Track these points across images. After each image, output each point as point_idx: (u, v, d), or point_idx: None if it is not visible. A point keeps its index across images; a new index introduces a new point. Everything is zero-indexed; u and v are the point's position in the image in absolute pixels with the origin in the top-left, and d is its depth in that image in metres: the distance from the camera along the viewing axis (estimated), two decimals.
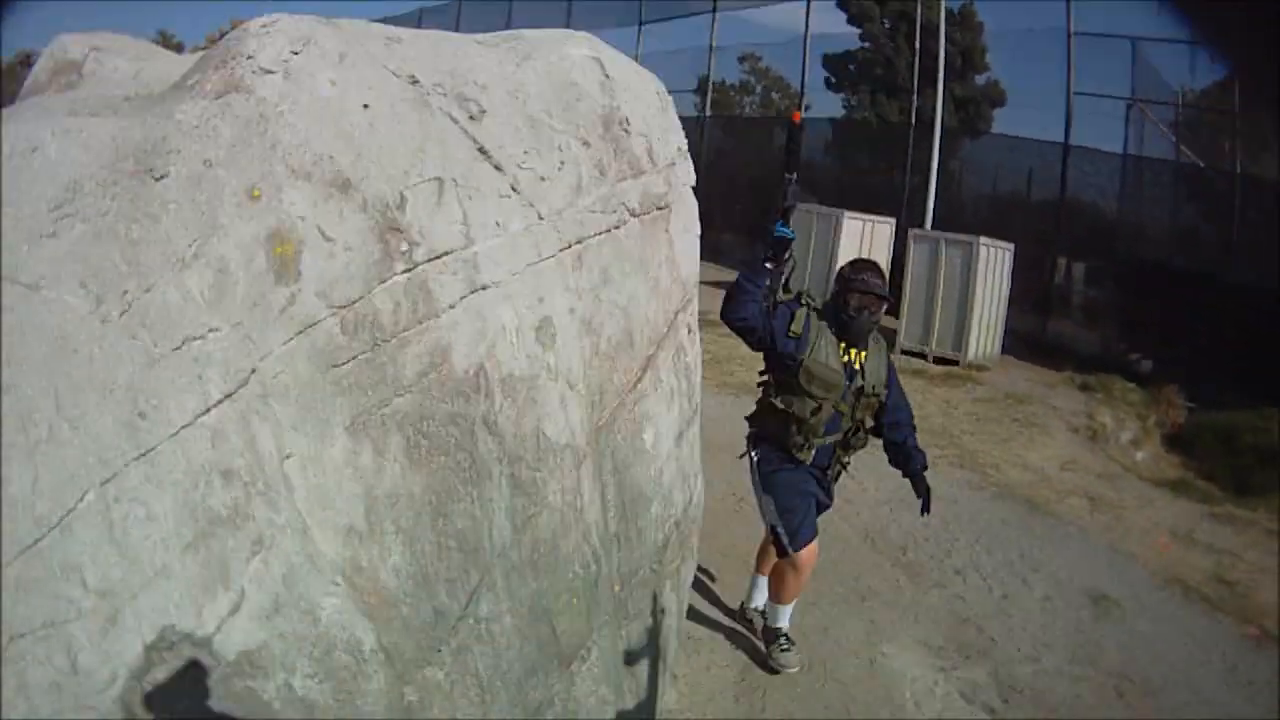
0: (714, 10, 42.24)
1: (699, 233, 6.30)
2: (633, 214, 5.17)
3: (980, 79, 40.69)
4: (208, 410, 3.38)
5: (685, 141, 6.09)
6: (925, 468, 8.11)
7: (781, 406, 7.29)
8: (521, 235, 4.40)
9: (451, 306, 4.04)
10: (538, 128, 4.69)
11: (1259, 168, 29.28)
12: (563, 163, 4.73)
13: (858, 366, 7.43)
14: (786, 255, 6.79)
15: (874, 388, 7.56)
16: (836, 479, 8.10)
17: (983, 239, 25.25)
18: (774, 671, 8.38)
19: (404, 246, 3.90)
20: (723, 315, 6.76)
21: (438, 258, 4.02)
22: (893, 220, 30.89)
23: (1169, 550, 13.91)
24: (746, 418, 8.18)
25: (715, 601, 9.60)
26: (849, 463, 8.13)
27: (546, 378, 4.54)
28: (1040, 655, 9.80)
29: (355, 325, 3.72)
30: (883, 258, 28.93)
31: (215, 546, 3.41)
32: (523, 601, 4.52)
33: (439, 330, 3.99)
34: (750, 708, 7.93)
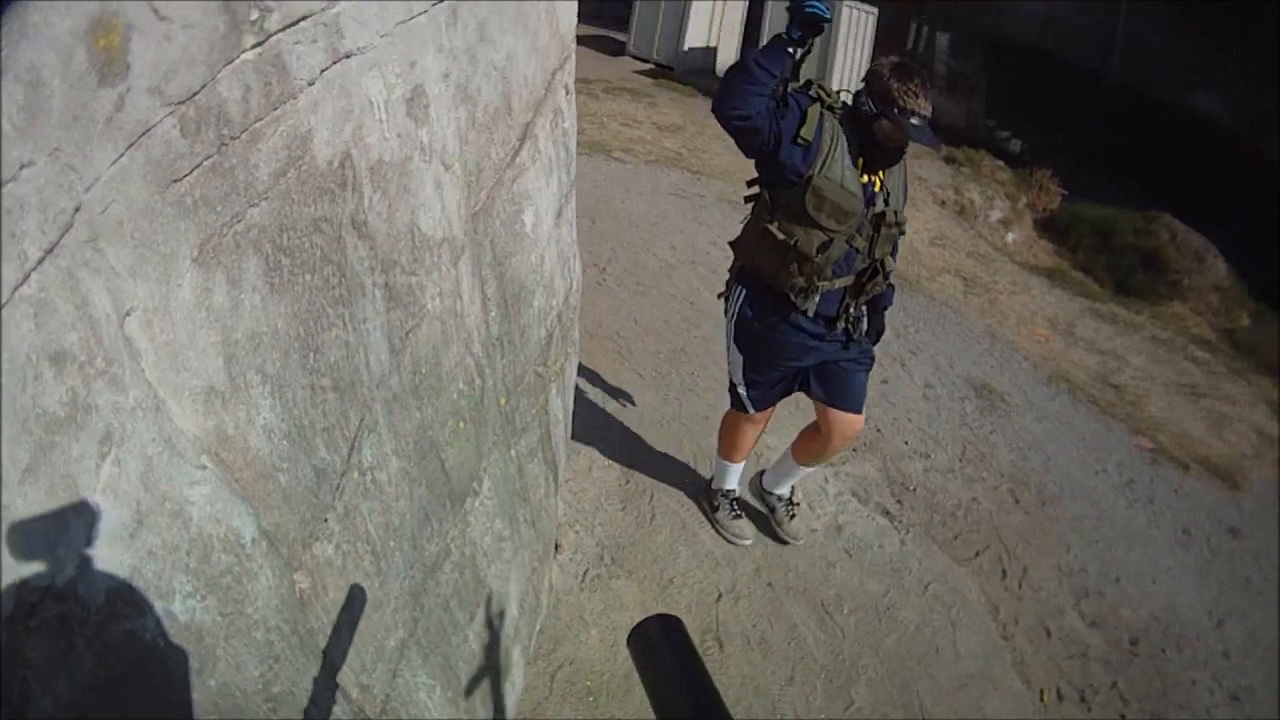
0: None
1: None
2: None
3: None
4: (26, 278, 2.48)
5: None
6: (889, 306, 6.58)
7: (781, 237, 5.92)
8: None
9: (311, 82, 3.32)
10: None
11: None
12: None
13: (878, 188, 5.96)
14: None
15: (897, 214, 6.04)
16: (850, 331, 6.32)
17: (845, 1, 25.12)
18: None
19: (254, 14, 3.05)
20: (717, 107, 5.65)
21: (294, 24, 3.22)
22: None
23: (1049, 342, 13.97)
24: (731, 244, 6.66)
25: (587, 390, 9.21)
26: (862, 314, 6.39)
27: (420, 159, 3.91)
28: (930, 451, 9.66)
29: (198, 123, 2.90)
30: (737, 10, 29.47)
31: (58, 461, 2.58)
32: (407, 438, 4.00)
33: (296, 114, 3.27)
34: (639, 514, 7.60)
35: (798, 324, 6.16)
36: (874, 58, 25.70)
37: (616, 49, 30.08)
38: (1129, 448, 11.20)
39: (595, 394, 9.06)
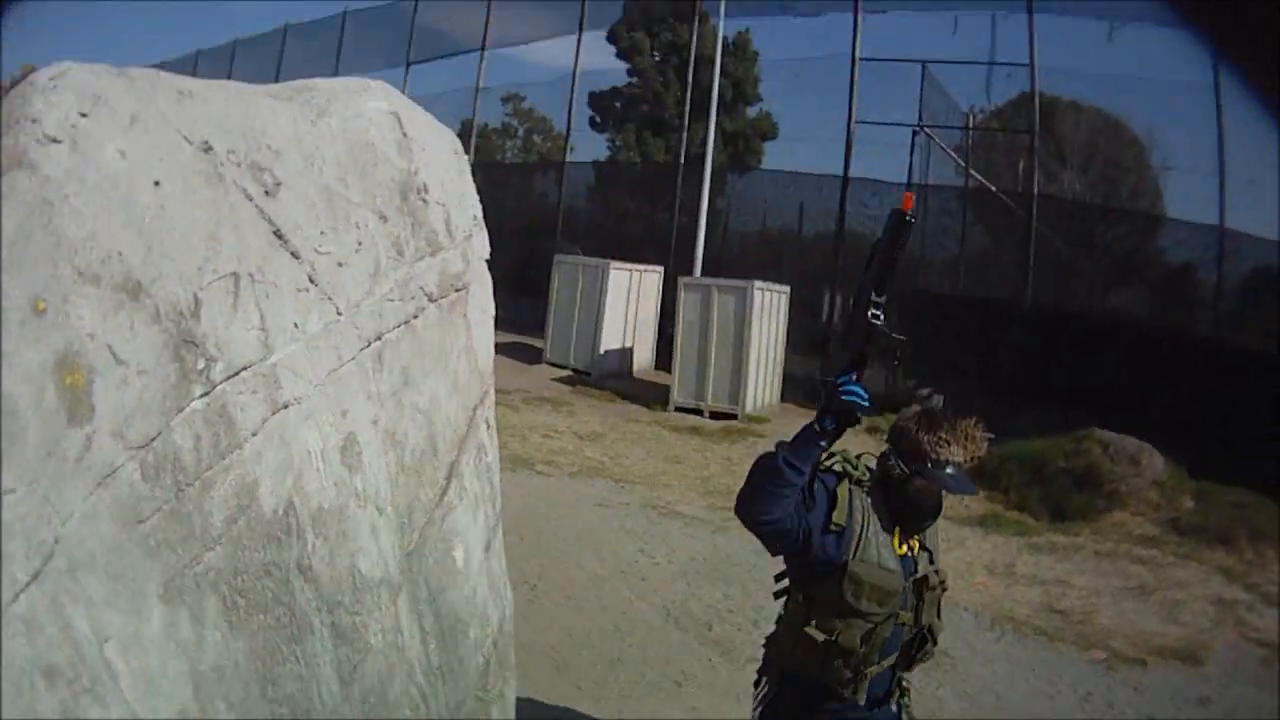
0: (482, 48, 42.49)
1: (494, 314, 5.76)
2: (430, 299, 4.83)
3: (752, 110, 41.20)
4: (16, 597, 2.87)
5: (480, 209, 5.64)
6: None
7: (821, 638, 5.19)
8: (321, 336, 4.07)
9: (254, 433, 3.66)
10: (334, 201, 4.33)
11: (1056, 186, 30.28)
12: (360, 243, 4.40)
13: (915, 551, 5.43)
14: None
15: (939, 572, 5.54)
16: (902, 704, 5.63)
17: (757, 283, 25.59)
18: None
19: (200, 364, 3.48)
20: (742, 512, 5.06)
21: (236, 374, 3.63)
22: (660, 268, 31.53)
23: (989, 588, 14.07)
24: (767, 640, 5.85)
25: (525, 706, 9.28)
26: (910, 687, 5.74)
27: (355, 505, 4.19)
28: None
29: (156, 468, 3.27)
30: (651, 308, 30.17)
31: None
32: None
33: (243, 464, 3.60)
34: None
35: (844, 715, 5.42)
36: (789, 333, 26.84)
37: (533, 356, 30.54)
38: (1081, 664, 11.34)
39: (535, 709, 9.11)
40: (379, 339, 4.40)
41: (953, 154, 32.40)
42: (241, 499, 3.59)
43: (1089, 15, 29.28)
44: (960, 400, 17.70)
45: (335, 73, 45.85)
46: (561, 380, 28.10)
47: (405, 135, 4.93)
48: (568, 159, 40.68)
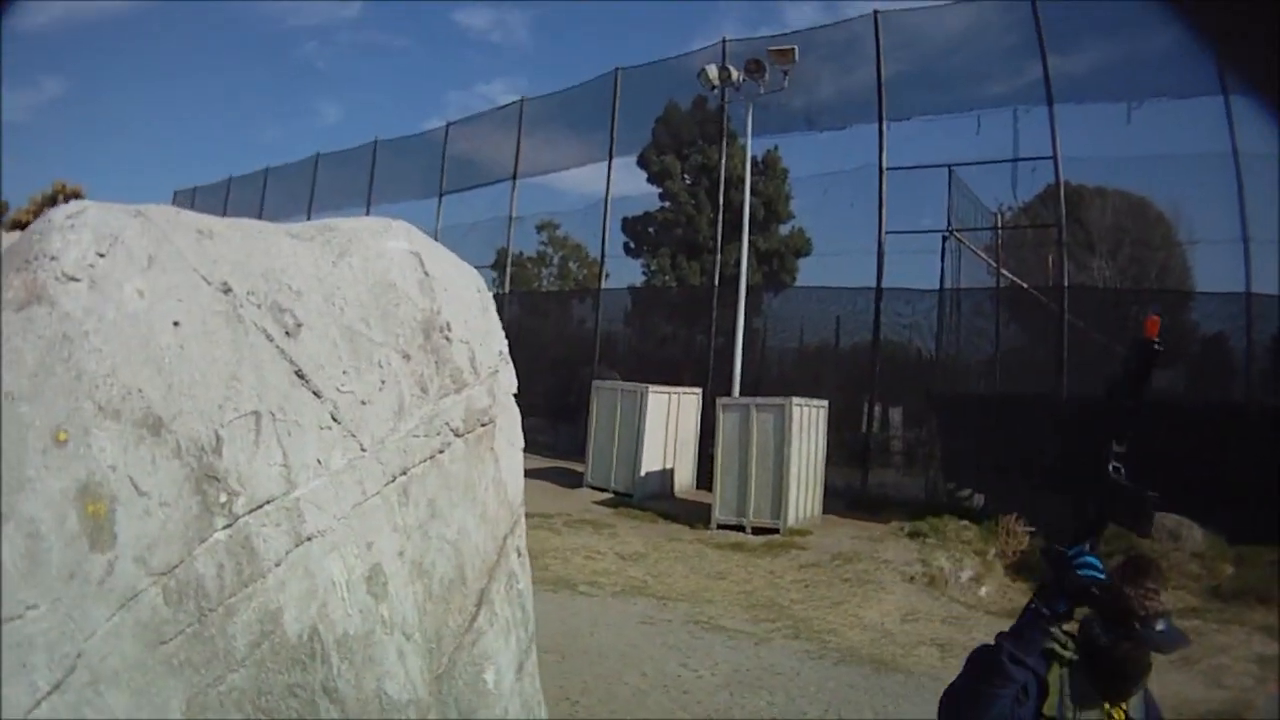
0: (514, 178, 42.81)
1: (523, 445, 5.83)
2: (456, 434, 4.98)
3: (784, 228, 41.17)
4: (38, 704, 3.05)
5: (506, 345, 5.78)
6: None
7: None
8: (345, 472, 4.21)
9: (278, 564, 3.84)
10: (356, 341, 4.50)
11: (1086, 275, 30.33)
12: (383, 381, 4.57)
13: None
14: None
15: None
16: None
17: (795, 399, 25.56)
18: None
19: (223, 497, 3.67)
20: (952, 713, 4.53)
21: (259, 508, 3.80)
22: (699, 390, 31.54)
23: None
24: None
25: None
26: None
27: (382, 632, 4.34)
28: None
29: (179, 594, 3.48)
30: (691, 429, 30.23)
31: None
32: None
33: (266, 592, 3.78)
34: None
35: None
36: (828, 445, 26.96)
37: (574, 480, 30.48)
38: None
39: None
40: (404, 474, 4.56)
41: (983, 255, 32.52)
42: (265, 625, 3.77)
43: (1107, 99, 29.15)
44: (1001, 499, 17.87)
45: (368, 201, 47.33)
46: (603, 503, 28.06)
47: (427, 275, 5.12)
48: (603, 285, 40.91)
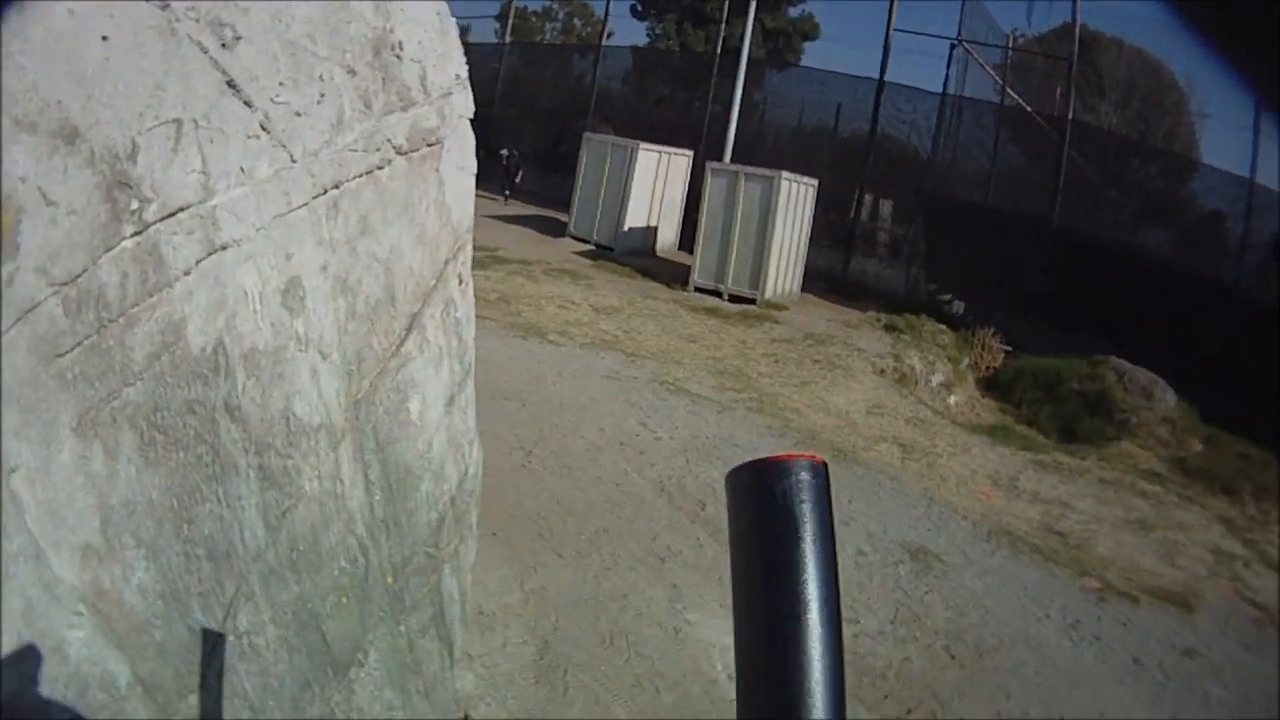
0: None
1: (475, 171, 5.57)
2: (399, 152, 4.69)
3: (794, 10, 40.74)
4: None
5: (465, 68, 5.40)
6: None
7: None
8: (270, 182, 3.95)
9: (186, 273, 3.61)
10: (299, 55, 4.21)
11: (1092, 116, 30.02)
12: (323, 95, 4.27)
13: None
14: None
15: None
16: None
17: (785, 174, 25.21)
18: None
19: (134, 204, 3.42)
20: None
21: (171, 215, 3.57)
22: (690, 152, 31.17)
23: (991, 499, 14.02)
24: None
25: (504, 570, 9.19)
26: None
27: (295, 348, 4.13)
28: (859, 616, 9.54)
29: (79, 304, 3.23)
30: (679, 190, 30.18)
31: None
32: (285, 608, 4.14)
33: (171, 303, 3.56)
34: (552, 689, 7.57)
35: None
36: (814, 226, 26.83)
37: (558, 229, 30.52)
38: (1074, 590, 11.25)
39: (511, 572, 9.03)
40: (337, 187, 4.29)
41: (990, 71, 32.12)
42: (167, 336, 3.57)
43: None
44: (981, 311, 17.82)
45: None
46: (583, 254, 27.98)
47: None
48: (604, 43, 40.43)
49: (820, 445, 14.33)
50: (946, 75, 30.99)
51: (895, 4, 30.81)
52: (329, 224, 4.29)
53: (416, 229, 4.90)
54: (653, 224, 30.34)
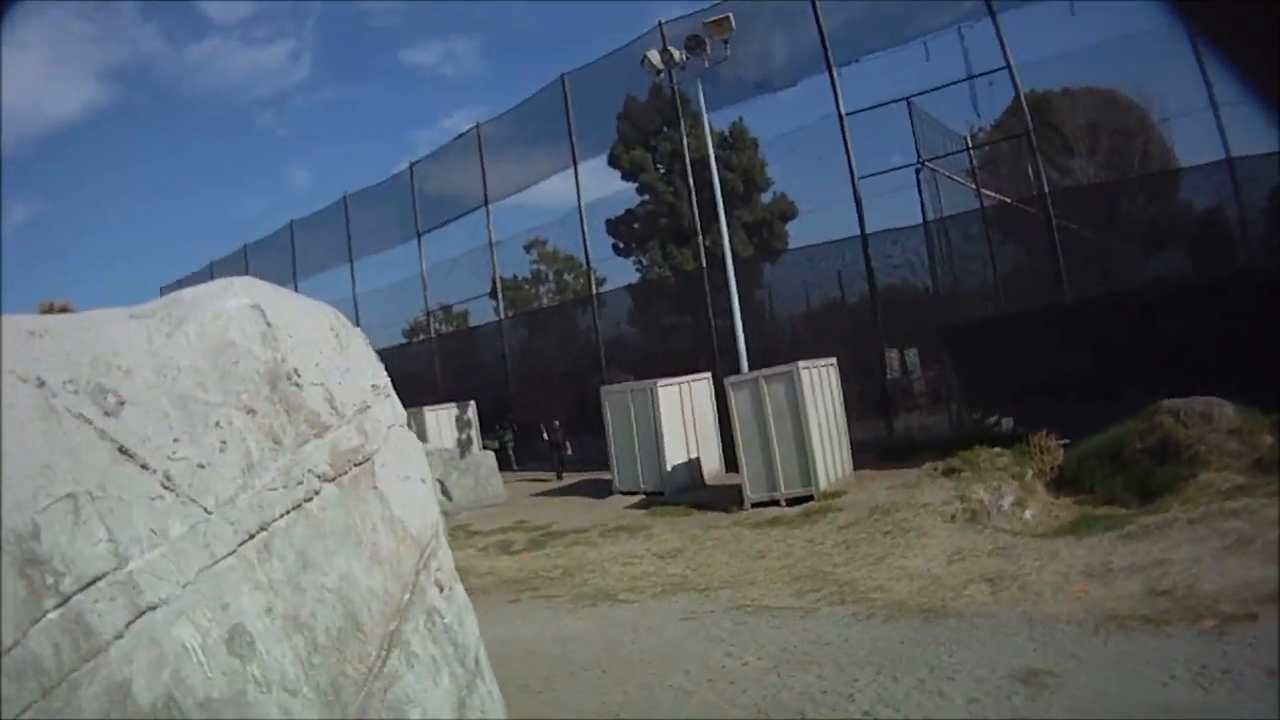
0: (486, 203, 43.38)
1: (426, 476, 5.64)
2: (325, 479, 4.76)
3: (766, 196, 41.10)
4: None
5: (383, 377, 5.59)
6: None
7: None
8: (186, 539, 4.04)
9: (118, 636, 3.69)
10: (190, 407, 4.36)
11: (1070, 179, 30.11)
12: (224, 441, 4.38)
13: None
14: None
15: None
16: None
17: (801, 363, 25.38)
18: None
19: (49, 579, 3.59)
20: None
21: (89, 585, 3.69)
22: (708, 374, 31.37)
23: (1088, 593, 13.77)
24: None
25: None
26: None
27: (255, 691, 4.10)
28: None
29: (18, 673, 3.39)
30: (708, 414, 30.40)
31: None
32: None
33: (110, 665, 3.64)
34: None
35: None
36: (846, 401, 26.92)
37: (604, 489, 30.48)
38: (1192, 640, 11.06)
39: None
40: (263, 529, 4.35)
41: (960, 180, 32.61)
42: (113, 695, 3.61)
43: None
44: (1029, 416, 17.56)
45: (350, 256, 47.51)
46: (635, 506, 27.93)
47: (270, 325, 4.97)
48: (600, 289, 41.69)
49: (909, 611, 14.09)
50: (922, 201, 31.47)
51: (852, 155, 31.26)
52: (264, 567, 4.33)
53: (367, 551, 4.91)
54: (693, 455, 30.34)
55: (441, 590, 5.38)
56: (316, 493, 4.67)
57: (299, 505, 4.55)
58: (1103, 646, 11.50)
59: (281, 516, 4.44)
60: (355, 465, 5.00)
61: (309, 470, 4.67)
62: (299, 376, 4.88)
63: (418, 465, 5.52)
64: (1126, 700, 9.85)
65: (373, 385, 5.42)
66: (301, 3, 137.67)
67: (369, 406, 5.29)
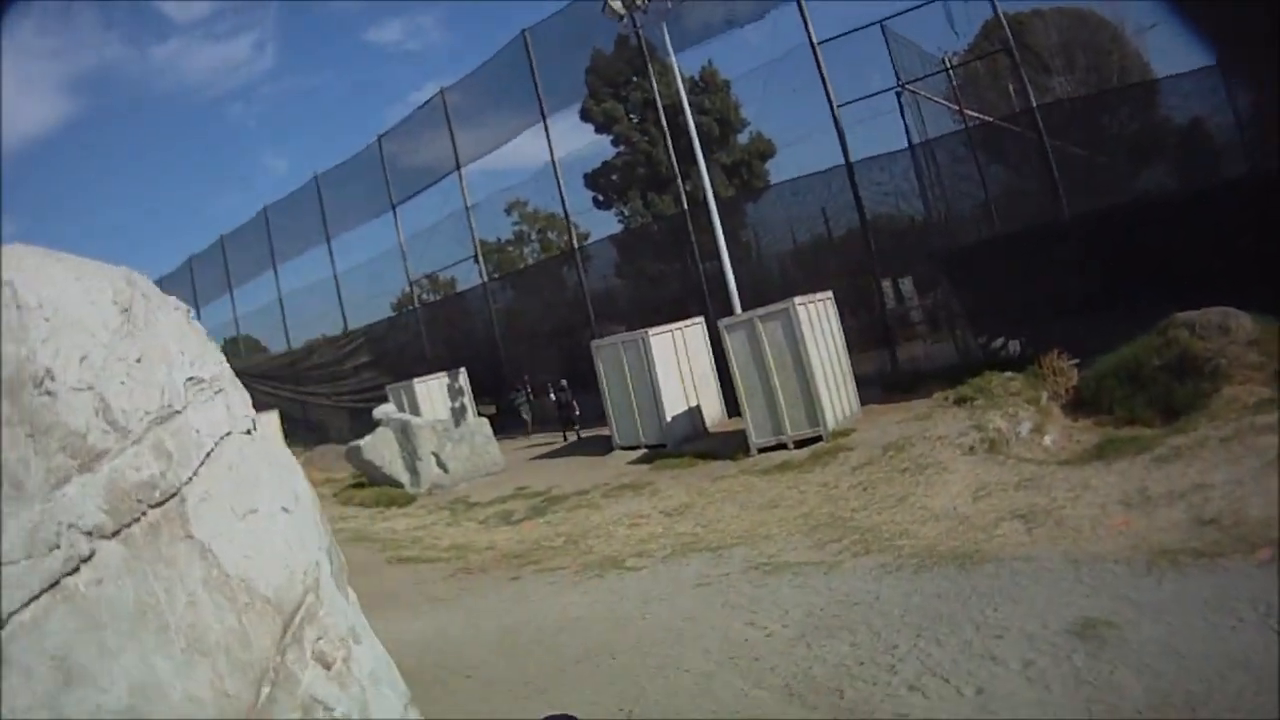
0: (458, 168, 42.41)
1: (303, 495, 4.09)
2: (100, 535, 3.11)
3: (742, 137, 40.41)
4: None
5: (213, 364, 4.02)
6: None
7: None
8: None
9: None
10: None
11: (1051, 96, 29.39)
12: None
13: None
14: None
15: None
16: None
17: (797, 300, 24.07)
18: None
19: None
20: None
21: None
22: (700, 319, 30.35)
23: (1131, 524, 12.80)
24: None
25: None
26: None
27: None
28: None
29: None
30: (704, 360, 29.30)
31: None
32: None
33: None
34: None
35: None
36: (846, 335, 25.62)
37: (605, 445, 29.56)
38: (1252, 574, 10.07)
39: None
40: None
41: (944, 102, 31.58)
42: None
43: None
44: (1038, 338, 16.39)
45: (326, 236, 47.13)
46: (638, 461, 26.90)
47: (20, 307, 3.31)
48: (584, 242, 40.80)
49: (941, 558, 12.91)
50: (905, 125, 30.40)
51: (829, 83, 29.96)
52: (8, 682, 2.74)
53: (180, 639, 3.28)
54: (693, 404, 29.31)
55: (329, 667, 3.71)
56: (85, 559, 3.01)
57: (55, 583, 2.88)
58: (1157, 587, 10.38)
59: (25, 606, 2.78)
60: (152, 506, 3.36)
61: (70, 525, 3.01)
62: (53, 379, 3.24)
63: (277, 487, 3.89)
64: (1196, 652, 8.67)
65: (189, 379, 3.82)
66: None
67: (177, 412, 3.68)
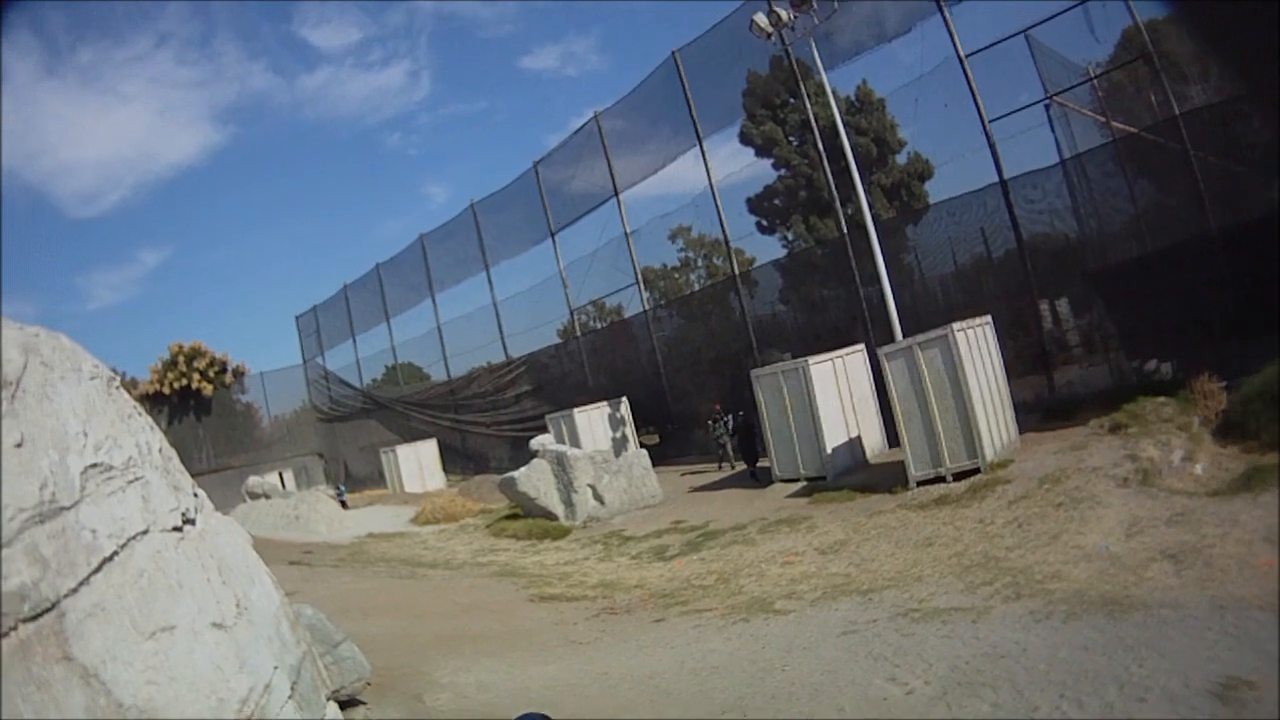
0: (616, 194, 42.51)
1: (235, 616, 3.76)
2: None
3: (900, 157, 40.15)
4: None
5: (127, 441, 3.68)
6: None
7: None
8: None
9: None
10: None
11: (1188, 105, 28.66)
12: None
13: None
14: None
15: None
16: None
17: (955, 325, 23.57)
18: None
19: None
20: None
21: None
22: (861, 346, 30.00)
23: (1274, 566, 12.55)
24: None
25: None
26: None
27: None
28: None
29: None
30: (865, 388, 29.05)
31: None
32: None
33: None
34: None
35: None
36: (1005, 361, 25.28)
37: (766, 477, 29.45)
38: None
39: None
40: None
41: (1092, 114, 31.01)
42: None
43: None
44: (1189, 359, 16.28)
45: (485, 265, 47.67)
46: (796, 494, 26.73)
47: None
48: (736, 270, 40.37)
49: (1090, 606, 12.71)
50: (1056, 140, 30.03)
51: (977, 94, 29.68)
52: None
53: None
54: (853, 434, 28.97)
55: None
56: None
57: None
58: None
59: None
60: (23, 621, 3.11)
61: None
62: None
63: (210, 596, 3.65)
64: None
65: (91, 466, 3.47)
66: (408, 21, 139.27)
67: (63, 509, 3.32)
